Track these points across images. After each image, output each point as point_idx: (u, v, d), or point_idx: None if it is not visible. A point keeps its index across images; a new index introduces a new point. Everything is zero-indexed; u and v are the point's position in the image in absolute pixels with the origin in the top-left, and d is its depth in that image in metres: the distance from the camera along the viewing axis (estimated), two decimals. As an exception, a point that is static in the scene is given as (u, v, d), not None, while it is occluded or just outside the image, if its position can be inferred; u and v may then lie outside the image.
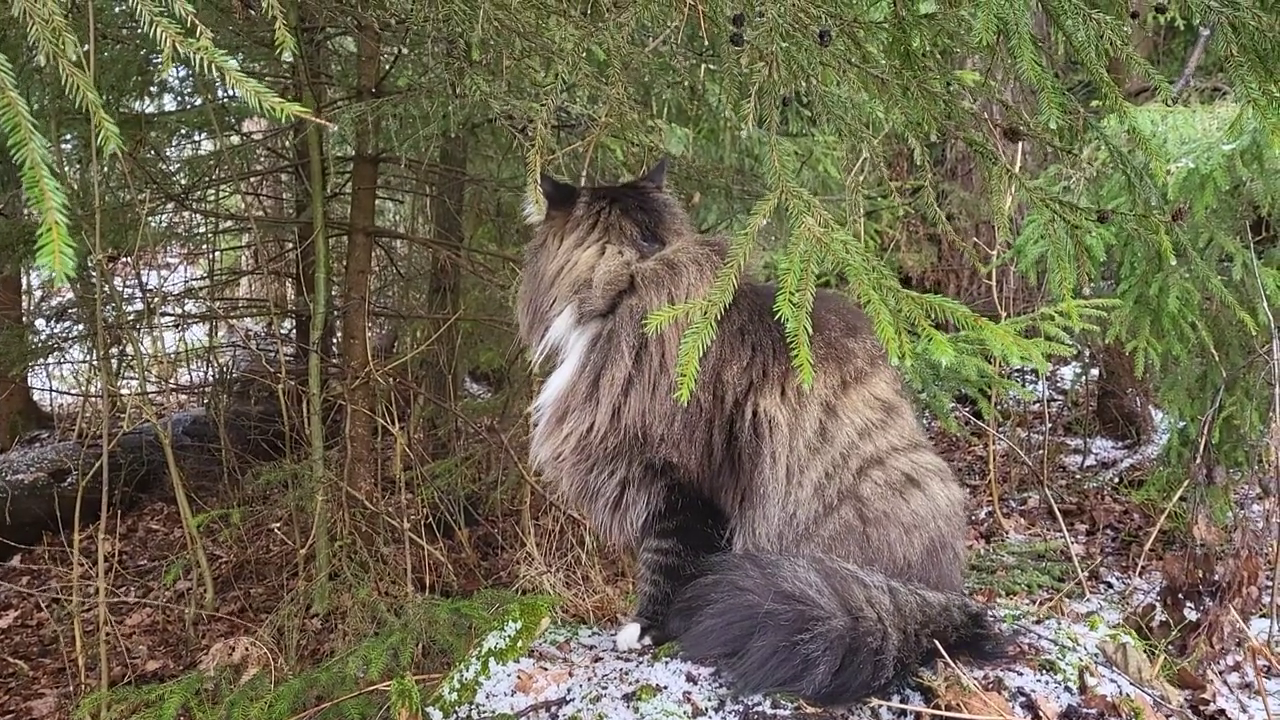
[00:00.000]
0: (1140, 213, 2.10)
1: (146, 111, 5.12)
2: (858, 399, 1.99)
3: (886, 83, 2.11)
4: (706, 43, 3.63)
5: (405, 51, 4.41)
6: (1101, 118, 3.33)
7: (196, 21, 1.14)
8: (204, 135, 5.59)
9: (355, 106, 3.74)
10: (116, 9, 4.25)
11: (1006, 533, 4.68)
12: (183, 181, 5.13)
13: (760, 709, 1.69)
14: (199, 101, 5.06)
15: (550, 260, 2.08)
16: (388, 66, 4.41)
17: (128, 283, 5.90)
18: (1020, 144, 4.62)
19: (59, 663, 4.15)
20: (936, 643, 1.80)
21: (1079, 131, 2.32)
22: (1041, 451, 5.49)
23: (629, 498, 2.02)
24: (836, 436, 1.95)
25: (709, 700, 1.72)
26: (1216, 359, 3.97)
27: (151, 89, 5.07)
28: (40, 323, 6.24)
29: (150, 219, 5.11)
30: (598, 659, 1.97)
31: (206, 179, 5.25)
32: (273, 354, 6.14)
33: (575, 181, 3.09)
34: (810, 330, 1.66)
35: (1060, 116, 1.84)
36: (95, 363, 5.28)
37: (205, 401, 6.45)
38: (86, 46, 2.94)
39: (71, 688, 3.80)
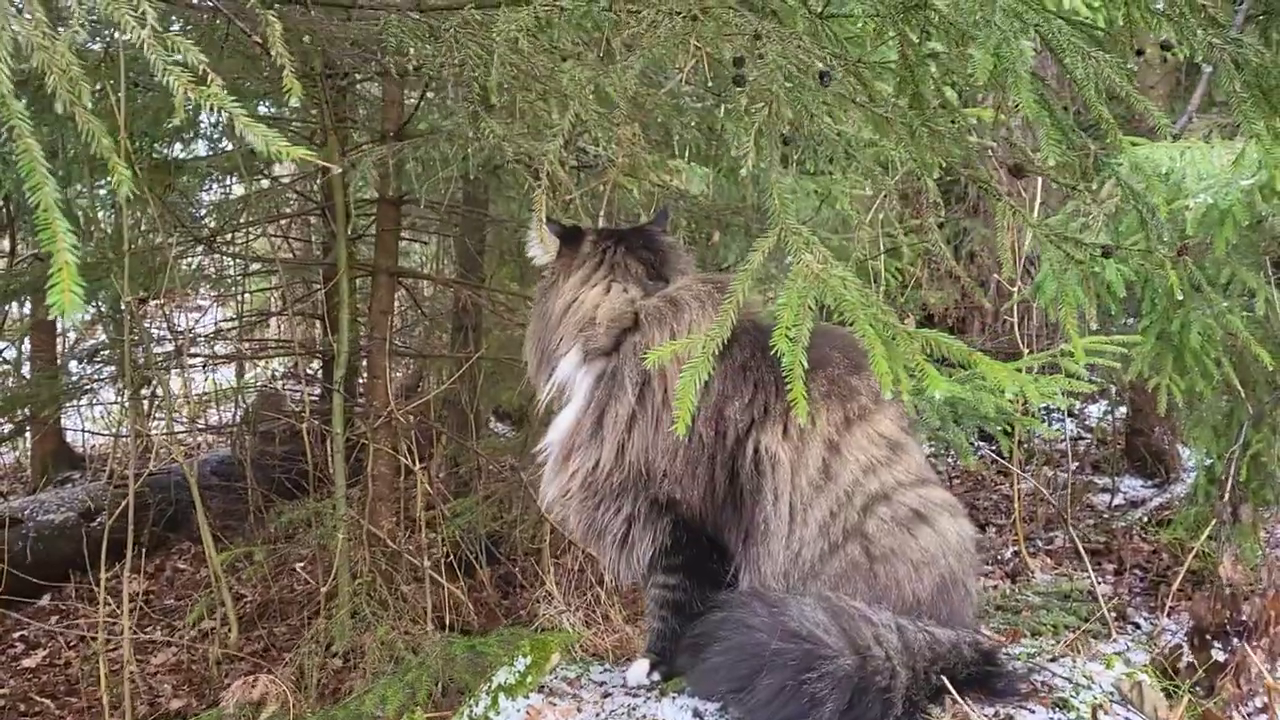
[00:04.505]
0: (1145, 248, 2.11)
1: (178, 157, 5.25)
2: (862, 436, 1.99)
3: (891, 121, 2.14)
4: (724, 83, 3.69)
5: (431, 96, 4.51)
6: (1112, 155, 3.34)
7: (208, 70, 1.18)
8: (234, 179, 5.72)
9: (377, 150, 3.82)
10: (151, 57, 4.37)
11: (1033, 572, 4.62)
12: (211, 225, 5.24)
13: (765, 745, 1.68)
14: (229, 146, 5.18)
15: (557, 298, 2.12)
16: (412, 111, 4.50)
17: (158, 325, 6.01)
18: (1040, 181, 4.63)
19: (85, 701, 4.19)
20: (946, 680, 1.79)
21: (1088, 168, 2.33)
22: (1067, 490, 5.43)
23: (635, 534, 2.03)
24: (840, 474, 1.96)
25: (715, 737, 1.72)
26: (1242, 395, 3.92)
27: (184, 135, 5.21)
28: (73, 365, 6.37)
29: (180, 262, 5.23)
30: (607, 695, 1.97)
31: (235, 222, 5.36)
32: (298, 394, 6.22)
33: (595, 221, 3.13)
34: (808, 366, 1.67)
35: (1060, 154, 1.86)
36: (124, 403, 5.37)
37: (231, 441, 6.52)
38: (119, 94, 3.05)
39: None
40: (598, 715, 1.85)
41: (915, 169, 2.54)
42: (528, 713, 1.88)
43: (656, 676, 2.02)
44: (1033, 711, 1.85)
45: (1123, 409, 6.37)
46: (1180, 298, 2.22)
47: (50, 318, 6.53)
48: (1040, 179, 4.60)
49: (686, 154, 4.94)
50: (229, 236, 5.50)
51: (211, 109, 1.22)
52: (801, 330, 1.47)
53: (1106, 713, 1.86)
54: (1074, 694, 1.92)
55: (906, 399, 1.47)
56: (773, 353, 1.75)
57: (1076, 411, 7.07)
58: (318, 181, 5.99)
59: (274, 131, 1.21)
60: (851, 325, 1.47)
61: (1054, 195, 5.91)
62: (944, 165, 2.35)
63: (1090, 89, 1.80)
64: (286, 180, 5.96)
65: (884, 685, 1.73)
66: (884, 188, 3.87)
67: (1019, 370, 2.80)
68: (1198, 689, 2.93)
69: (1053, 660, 2.12)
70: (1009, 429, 4.14)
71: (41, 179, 0.96)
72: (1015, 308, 4.70)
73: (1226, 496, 3.76)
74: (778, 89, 1.76)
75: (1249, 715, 2.72)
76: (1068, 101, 4.30)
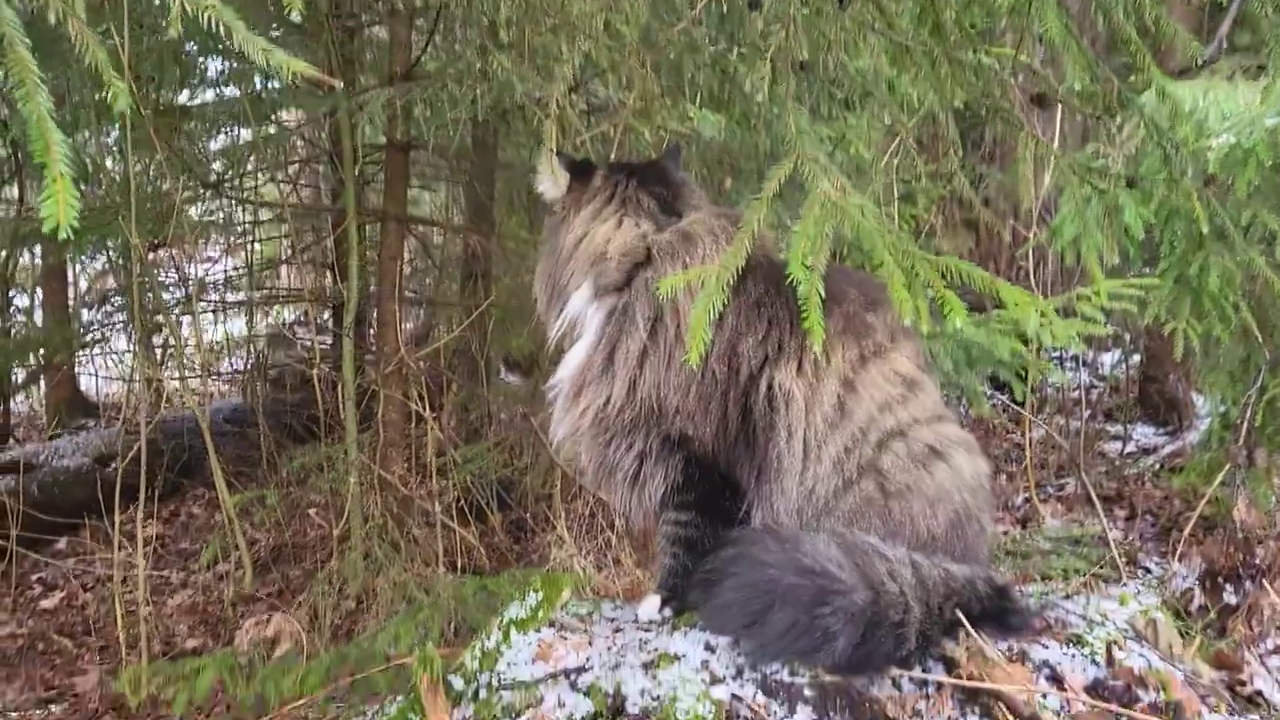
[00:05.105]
0: (1171, 178, 2.06)
1: (184, 104, 5.19)
2: (877, 373, 1.96)
3: (911, 51, 2.08)
4: (737, 17, 3.60)
5: (438, 40, 4.44)
6: (1139, 91, 3.26)
7: (204, -18, 1.15)
8: (242, 126, 5.65)
9: (385, 92, 3.76)
10: (156, 1, 4.30)
11: (1043, 519, 4.61)
12: (219, 169, 5.20)
13: (778, 677, 1.68)
14: (235, 93, 5.12)
15: (568, 233, 2.08)
16: (419, 53, 4.43)
17: (168, 273, 6.00)
18: (1059, 122, 4.55)
19: (102, 641, 4.24)
20: (960, 615, 1.78)
21: (1112, 102, 2.27)
22: (1080, 438, 5.40)
23: (647, 471, 2.02)
24: (855, 411, 1.93)
25: (727, 669, 1.72)
26: (1260, 340, 3.87)
27: (191, 81, 5.14)
28: (85, 314, 6.37)
29: (189, 209, 5.19)
30: (618, 630, 1.97)
31: (242, 169, 5.32)
32: (309, 342, 6.23)
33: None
34: (825, 299, 1.64)
35: (1087, 81, 1.81)
36: (135, 349, 5.38)
37: (243, 387, 6.54)
38: (123, 35, 2.99)
39: (113, 665, 3.89)
40: (609, 649, 1.85)
41: (934, 106, 2.48)
42: (539, 646, 1.88)
43: (668, 612, 2.02)
44: (1046, 646, 1.84)
45: (1137, 357, 6.32)
46: (1205, 230, 2.16)
47: (58, 263, 6.54)
48: (1060, 119, 4.52)
49: (699, 99, 4.86)
50: (237, 182, 5.46)
51: (218, 47, 1.19)
52: (819, 259, 1.44)
53: (1121, 649, 1.85)
54: (1088, 630, 1.91)
55: (924, 327, 1.44)
56: (788, 284, 1.72)
57: (1090, 360, 7.03)
58: (325, 128, 5.94)
59: (274, 47, 1.17)
60: (869, 253, 1.44)
61: (1073, 137, 5.82)
62: (964, 101, 2.30)
63: (1119, 11, 1.75)
64: (293, 126, 5.90)
65: (898, 620, 1.72)
66: (900, 129, 3.80)
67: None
68: (1209, 631, 2.93)
69: (1067, 598, 2.11)
70: (1023, 374, 4.10)
71: (33, 89, 0.93)
72: (1030, 253, 4.64)
73: (1242, 441, 3.73)
74: (794, 12, 1.71)
75: (1261, 656, 2.72)
76: (1090, 40, 4.20)
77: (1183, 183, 2.08)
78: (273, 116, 5.44)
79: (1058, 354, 6.50)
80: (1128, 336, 6.21)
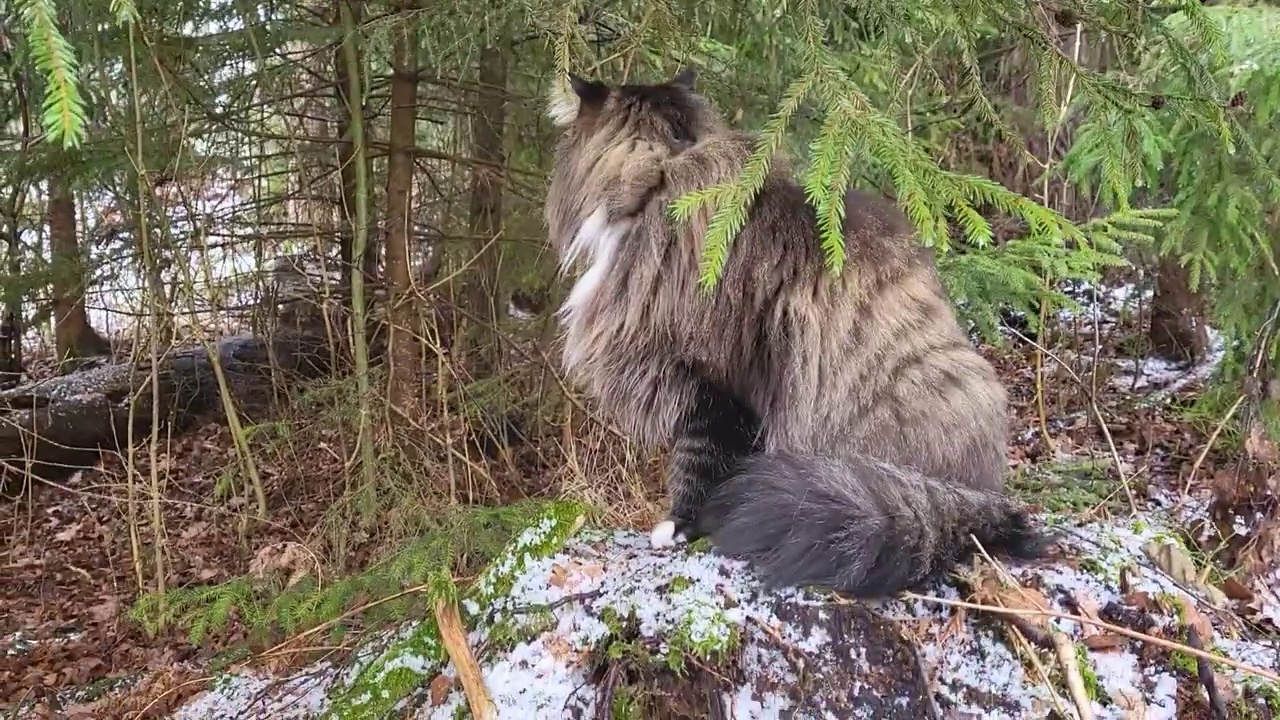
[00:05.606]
0: (1198, 97, 2.01)
1: (189, 35, 5.11)
2: (894, 299, 1.94)
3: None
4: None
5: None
6: (1164, 16, 3.19)
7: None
8: (245, 56, 5.58)
9: (391, 19, 3.69)
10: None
11: (1053, 452, 4.62)
12: (224, 100, 5.14)
13: (793, 600, 1.69)
14: (239, 25, 5.04)
15: (580, 157, 2.04)
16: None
17: (175, 209, 5.97)
18: (1077, 52, 4.46)
19: (119, 571, 4.30)
20: (974, 540, 1.78)
21: (1137, 20, 2.22)
22: (1091, 372, 5.39)
23: (660, 397, 2.01)
24: (871, 337, 1.91)
25: (741, 592, 1.72)
26: (1276, 272, 3.84)
27: (194, 13, 5.06)
28: (94, 249, 6.36)
29: (195, 141, 5.14)
30: (632, 556, 1.98)
31: (248, 101, 5.25)
32: (318, 277, 6.21)
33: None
34: (844, 222, 1.61)
35: (1114, -3, 1.75)
36: (144, 283, 5.37)
37: (253, 321, 6.54)
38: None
39: (130, 595, 3.94)
40: (623, 574, 1.86)
41: (953, 30, 2.42)
42: (553, 572, 1.89)
43: (682, 538, 2.02)
44: (1060, 572, 1.85)
45: (1150, 292, 6.28)
46: (1232, 151, 2.12)
47: (64, 197, 6.50)
48: (1078, 49, 4.43)
49: (710, 28, 4.77)
50: (243, 115, 5.40)
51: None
52: (838, 179, 1.41)
53: (1134, 575, 1.85)
54: (1102, 556, 1.91)
55: (944, 248, 1.41)
56: (804, 206, 1.69)
57: (1102, 295, 6.99)
58: (331, 59, 5.86)
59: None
60: (891, 172, 1.41)
61: (1091, 69, 5.70)
62: (985, 21, 2.24)
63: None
64: (298, 57, 5.81)
65: (912, 545, 1.72)
66: (917, 57, 3.73)
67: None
68: (1219, 561, 2.94)
69: (1080, 525, 2.11)
70: (1036, 305, 4.07)
71: (37, -7, 0.90)
72: (1046, 186, 4.58)
73: (1256, 372, 3.71)
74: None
75: (1271, 585, 2.72)
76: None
77: (1209, 102, 2.03)
78: (277, 49, 5.36)
79: (1070, 288, 6.47)
80: (1141, 271, 6.15)
